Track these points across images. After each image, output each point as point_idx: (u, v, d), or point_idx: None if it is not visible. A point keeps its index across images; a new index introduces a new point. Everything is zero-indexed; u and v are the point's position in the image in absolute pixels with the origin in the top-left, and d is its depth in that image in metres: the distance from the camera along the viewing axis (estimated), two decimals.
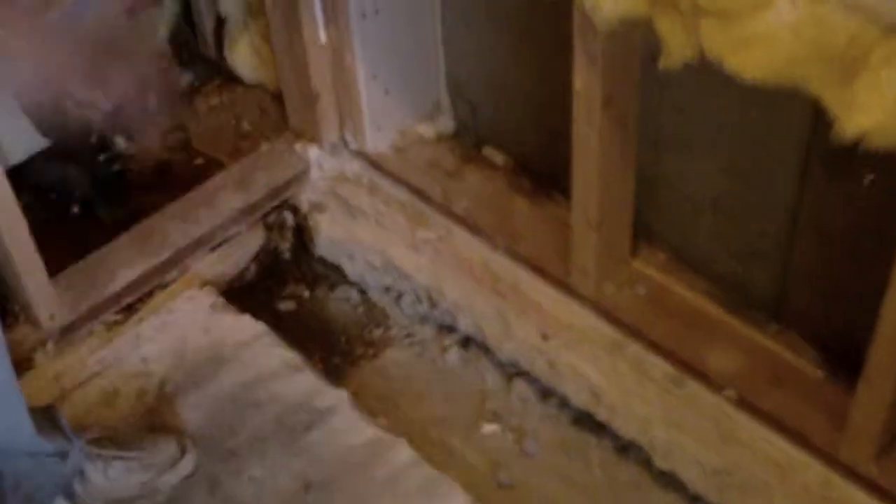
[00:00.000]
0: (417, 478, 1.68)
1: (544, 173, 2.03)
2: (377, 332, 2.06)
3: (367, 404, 1.90)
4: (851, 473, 1.61)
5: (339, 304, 2.11)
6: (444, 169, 2.10)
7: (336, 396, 1.80)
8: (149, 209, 2.06)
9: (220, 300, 1.95)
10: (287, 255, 2.16)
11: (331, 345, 2.04)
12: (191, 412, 1.78)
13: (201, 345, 1.87)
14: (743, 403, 1.71)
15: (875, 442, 1.58)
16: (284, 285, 2.14)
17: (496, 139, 2.11)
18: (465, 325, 1.94)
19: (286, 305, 2.11)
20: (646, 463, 1.77)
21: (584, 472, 1.82)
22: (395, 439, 1.73)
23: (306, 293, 2.13)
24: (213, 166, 2.16)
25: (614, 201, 1.74)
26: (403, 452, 1.71)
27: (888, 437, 1.59)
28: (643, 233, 1.90)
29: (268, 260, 2.13)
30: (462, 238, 2.00)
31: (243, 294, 2.08)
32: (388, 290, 2.06)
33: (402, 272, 2.01)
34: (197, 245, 2.01)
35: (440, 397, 1.95)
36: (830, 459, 1.63)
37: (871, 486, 1.60)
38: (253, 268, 2.11)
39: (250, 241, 2.10)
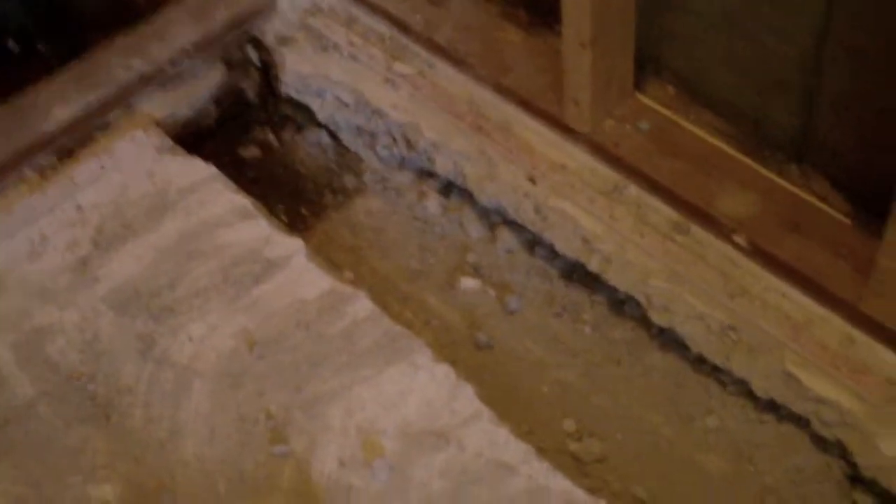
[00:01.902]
0: (377, 333, 1.47)
1: (543, 3, 1.78)
2: (348, 179, 1.85)
3: (334, 257, 1.70)
4: (877, 328, 1.41)
5: (308, 148, 1.91)
6: None
7: (290, 246, 1.59)
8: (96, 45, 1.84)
9: (168, 142, 1.74)
10: (251, 96, 1.94)
11: (297, 193, 1.84)
12: (126, 264, 1.57)
13: (143, 191, 1.67)
14: (754, 251, 1.50)
15: None
16: (248, 129, 1.93)
17: None
18: (444, 168, 1.72)
19: (249, 151, 1.91)
20: (643, 320, 1.57)
21: (573, 332, 1.62)
22: (353, 292, 1.52)
23: (272, 137, 1.93)
24: None
25: (611, 14, 1.50)
26: (362, 306, 1.50)
27: None
28: (648, 63, 1.66)
29: (229, 101, 1.91)
30: (444, 71, 1.77)
31: (202, 139, 1.87)
32: (360, 131, 1.84)
33: (377, 111, 1.79)
34: (144, 82, 1.80)
35: (415, 249, 1.74)
36: (853, 313, 1.42)
37: None
38: (212, 110, 1.89)
39: (208, 80, 1.88)
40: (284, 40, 1.89)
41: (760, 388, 1.46)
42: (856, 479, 1.43)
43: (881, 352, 1.40)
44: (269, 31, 1.90)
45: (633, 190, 1.58)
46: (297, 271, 1.55)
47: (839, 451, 1.42)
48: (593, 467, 1.48)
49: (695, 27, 1.58)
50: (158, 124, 1.78)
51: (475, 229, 1.72)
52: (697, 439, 1.51)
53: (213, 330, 1.50)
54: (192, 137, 1.83)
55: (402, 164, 1.80)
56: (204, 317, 1.51)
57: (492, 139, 1.68)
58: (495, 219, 1.71)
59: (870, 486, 1.40)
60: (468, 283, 1.68)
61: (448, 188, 1.77)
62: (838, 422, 1.40)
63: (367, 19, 1.86)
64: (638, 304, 1.54)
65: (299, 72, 1.85)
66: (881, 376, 1.39)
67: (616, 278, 1.55)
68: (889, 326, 1.39)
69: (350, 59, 1.83)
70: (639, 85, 1.66)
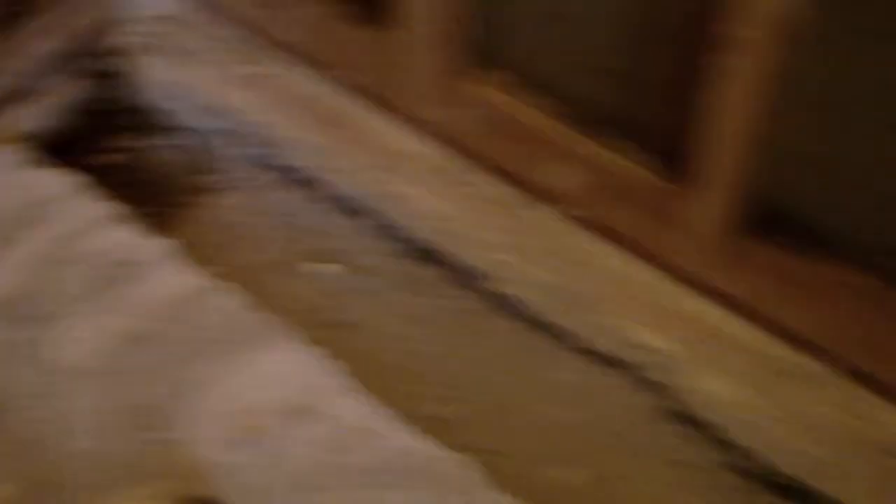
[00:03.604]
0: (248, 322, 1.60)
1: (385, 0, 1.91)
2: (212, 179, 1.96)
3: (203, 253, 1.81)
4: (693, 280, 1.59)
5: (172, 152, 2.01)
6: (273, 0, 1.97)
7: (160, 246, 1.69)
8: None
9: (34, 154, 1.82)
10: (113, 104, 2.02)
11: (162, 196, 1.94)
12: (1, 276, 1.67)
13: (9, 204, 1.75)
14: (583, 219, 1.67)
15: (712, 245, 1.54)
16: (112, 137, 2.01)
17: None
18: (298, 162, 1.85)
19: (115, 158, 1.99)
20: (487, 289, 1.72)
21: (426, 305, 1.77)
22: (223, 285, 1.64)
23: (136, 143, 2.01)
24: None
25: (444, 10, 1.65)
26: (234, 298, 1.63)
27: (727, 243, 1.55)
28: (484, 52, 1.80)
29: (92, 110, 2.00)
30: (293, 70, 1.90)
31: (67, 149, 1.94)
32: (221, 133, 1.95)
33: (235, 112, 1.90)
34: (7, 97, 1.87)
35: (277, 240, 1.87)
36: (672, 268, 1.61)
37: (711, 291, 1.58)
38: (76, 120, 1.98)
39: (71, 91, 1.97)
40: (143, 49, 1.99)
41: (593, 340, 1.63)
42: (682, 415, 1.61)
43: (695, 299, 1.59)
44: (128, 40, 1.99)
45: (473, 171, 1.73)
46: (168, 270, 1.66)
47: (666, 391, 1.60)
48: (454, 427, 1.64)
49: (525, 17, 1.73)
50: (23, 138, 1.87)
51: (332, 217, 1.86)
52: (542, 393, 1.67)
53: (94, 331, 1.60)
54: (57, 148, 1.91)
55: (261, 161, 1.92)
56: (84, 320, 1.61)
57: (343, 132, 1.82)
58: (350, 206, 1.84)
59: (692, 418, 1.59)
60: (329, 268, 1.82)
61: (306, 181, 1.89)
62: (661, 364, 1.58)
63: (219, 26, 1.97)
64: (482, 275, 1.70)
65: (159, 79, 1.96)
66: (696, 321, 1.58)
67: (460, 253, 1.70)
68: (699, 275, 1.57)
69: (206, 65, 1.94)
70: (474, 74, 1.80)
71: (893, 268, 1.54)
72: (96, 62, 1.99)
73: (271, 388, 1.52)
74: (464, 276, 1.76)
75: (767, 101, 1.37)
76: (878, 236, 1.54)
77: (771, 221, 1.60)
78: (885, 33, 1.29)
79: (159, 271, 1.66)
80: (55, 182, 1.78)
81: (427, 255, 1.78)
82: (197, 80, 1.93)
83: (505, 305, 1.72)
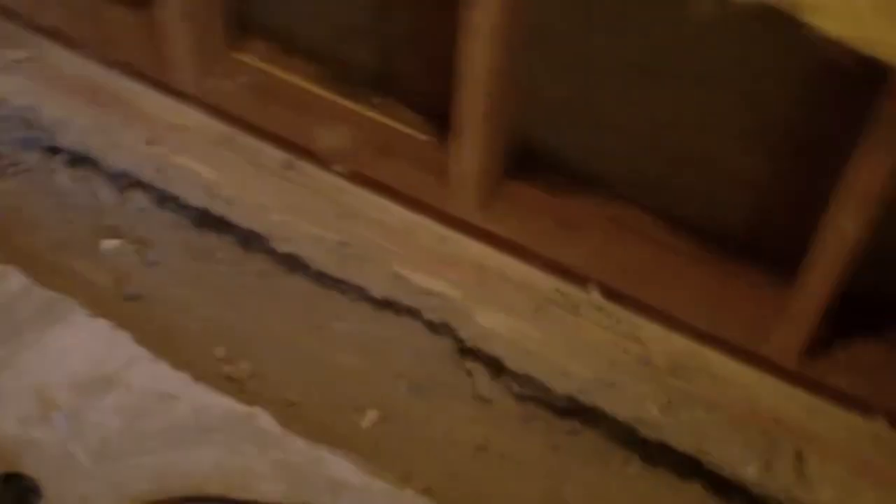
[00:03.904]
0: (34, 302, 1.62)
1: None
2: None
3: None
4: (460, 224, 1.68)
5: None
6: None
7: None
8: None
9: None
10: None
11: None
12: None
13: None
14: (354, 176, 1.74)
15: (477, 191, 1.64)
16: None
17: None
18: (69, 142, 1.86)
19: None
20: (269, 251, 1.77)
21: (211, 272, 1.82)
22: (3, 269, 1.66)
23: None
24: None
25: None
26: (15, 281, 1.65)
27: (489, 187, 1.65)
28: (242, 23, 1.86)
29: None
30: (56, 53, 1.91)
31: None
32: None
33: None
34: None
35: (55, 221, 1.87)
36: (441, 216, 1.69)
37: (479, 233, 1.68)
38: None
39: None
40: None
41: (376, 290, 1.70)
42: (464, 350, 1.70)
43: (468, 243, 1.68)
44: None
45: (243, 138, 1.78)
46: None
47: (447, 330, 1.68)
48: (247, 384, 1.69)
49: None
50: None
51: (107, 194, 1.88)
52: (331, 343, 1.74)
53: None
54: None
55: (28, 145, 1.93)
56: None
57: (110, 110, 1.83)
58: (124, 182, 1.87)
59: (475, 354, 1.68)
60: (109, 244, 1.84)
61: (76, 161, 1.90)
62: (442, 307, 1.66)
63: None
64: (262, 237, 1.75)
65: None
66: (470, 264, 1.67)
67: (239, 218, 1.75)
68: (468, 220, 1.67)
69: None
70: (236, 44, 1.85)
71: (641, 196, 1.68)
72: None
73: (62, 363, 1.55)
74: (246, 241, 1.81)
75: (510, 51, 1.47)
76: (629, 169, 1.68)
77: (531, 163, 1.72)
78: None
79: None
80: None
81: (208, 223, 1.83)
82: None
83: (290, 265, 1.78)
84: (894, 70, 1.13)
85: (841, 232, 1.37)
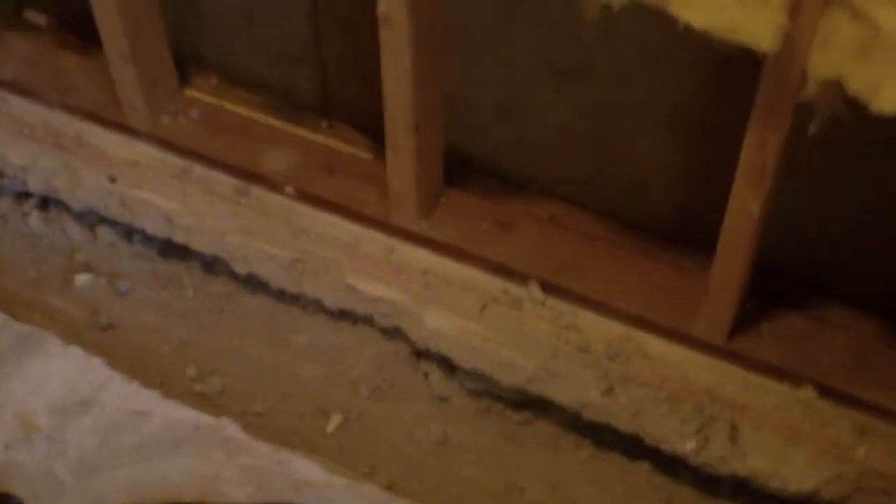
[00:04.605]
0: (11, 336, 1.73)
1: (88, 25, 2.05)
2: None
3: None
4: (405, 234, 1.79)
5: None
6: None
7: None
8: None
9: None
10: None
11: None
12: None
13: None
14: (303, 196, 1.84)
15: (416, 202, 1.75)
16: None
17: (36, 1, 2.11)
18: (37, 187, 1.96)
19: None
20: (230, 273, 1.88)
21: (179, 297, 1.92)
22: None
23: None
24: None
25: (143, 32, 1.81)
26: None
27: (428, 196, 1.77)
28: (189, 60, 1.98)
29: None
30: (16, 103, 2.01)
31: None
32: None
33: None
34: None
35: (29, 261, 1.99)
36: (386, 227, 1.79)
37: (423, 241, 1.78)
38: None
39: None
40: None
41: (331, 302, 1.80)
42: (418, 353, 1.80)
43: (413, 251, 1.78)
44: None
45: (198, 169, 1.88)
46: None
47: (400, 335, 1.77)
48: (217, 399, 1.80)
49: (221, 23, 1.91)
50: None
51: (77, 233, 1.99)
52: (294, 355, 1.85)
53: None
54: None
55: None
56: None
57: (71, 153, 1.94)
58: (92, 219, 1.98)
59: (428, 355, 1.78)
60: (81, 279, 1.95)
61: (45, 203, 2.02)
62: (393, 312, 1.75)
63: None
64: (223, 261, 1.86)
65: None
66: (416, 270, 1.77)
67: (200, 244, 1.85)
68: (411, 229, 1.78)
69: None
70: (184, 80, 1.97)
71: (571, 193, 1.79)
72: None
73: (41, 390, 1.66)
74: (209, 265, 1.92)
75: (430, 62, 1.57)
76: (557, 167, 1.78)
77: (466, 169, 1.83)
78: None
79: None
80: None
81: (172, 251, 1.93)
82: None
83: (251, 285, 1.88)
84: (762, 53, 1.22)
85: (744, 209, 1.46)
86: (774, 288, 1.71)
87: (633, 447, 1.71)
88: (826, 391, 1.62)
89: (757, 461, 1.59)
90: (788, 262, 1.69)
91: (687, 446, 1.62)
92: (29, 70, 2.03)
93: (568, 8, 1.35)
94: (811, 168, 1.51)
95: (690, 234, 1.72)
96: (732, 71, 1.45)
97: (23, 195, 2.03)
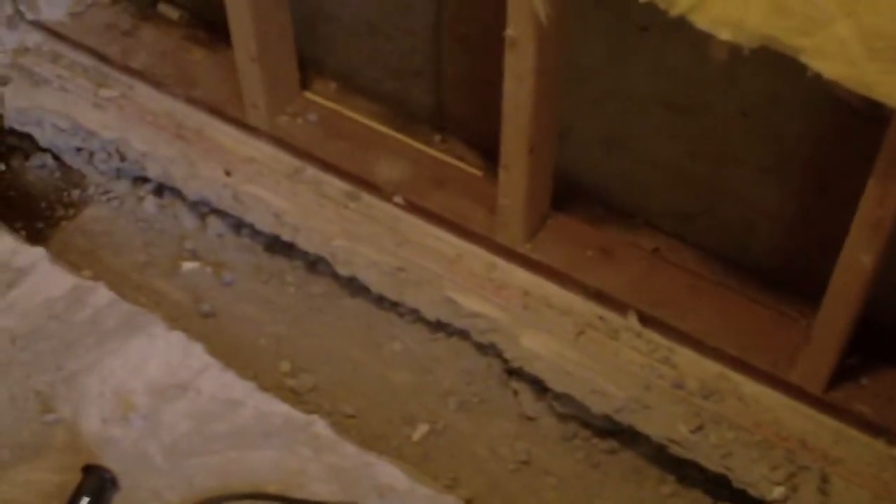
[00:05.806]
0: (117, 315, 1.77)
1: (218, 23, 2.11)
2: (75, 193, 2.13)
3: (72, 260, 1.98)
4: (508, 253, 1.80)
5: (35, 171, 2.16)
6: (121, 29, 2.16)
7: (33, 254, 1.86)
8: None
9: None
10: None
11: (31, 211, 2.10)
12: None
13: None
14: (411, 207, 1.86)
15: (523, 222, 1.76)
16: None
17: None
18: (155, 172, 2.02)
19: None
20: (333, 274, 1.91)
21: (280, 292, 1.96)
22: (93, 284, 1.81)
23: (1, 166, 2.17)
24: None
25: (272, 31, 1.85)
26: (102, 295, 1.80)
27: (534, 218, 1.78)
28: (311, 65, 2.02)
29: None
30: (143, 91, 2.07)
31: None
32: (79, 151, 2.12)
33: (90, 131, 2.06)
34: None
35: (140, 244, 2.04)
36: (491, 244, 1.81)
37: (526, 262, 1.79)
38: None
39: None
40: (2, 79, 2.15)
41: (429, 313, 1.82)
42: (510, 371, 1.82)
43: (514, 271, 1.80)
44: None
45: (310, 170, 1.93)
46: (42, 274, 1.83)
47: (494, 351, 1.79)
48: (308, 396, 1.83)
49: (345, 33, 1.95)
50: None
51: (188, 221, 2.05)
52: (387, 361, 1.88)
53: None
54: None
55: (118, 174, 2.10)
56: None
57: (190, 144, 2.00)
58: (203, 209, 2.03)
59: (520, 374, 1.80)
60: (188, 266, 2.00)
61: (160, 190, 2.07)
62: (490, 329, 1.77)
63: (71, 54, 2.13)
64: (327, 262, 1.89)
65: (17, 106, 2.11)
66: (517, 289, 1.79)
67: (306, 244, 1.89)
68: (515, 249, 1.80)
69: (60, 91, 2.10)
70: (305, 84, 2.01)
71: (675, 227, 1.79)
72: None
73: (141, 370, 1.70)
74: (312, 265, 1.96)
75: (549, 91, 1.59)
76: (663, 201, 1.79)
77: (574, 196, 1.84)
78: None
79: (36, 276, 1.83)
80: None
81: (278, 248, 1.98)
82: (55, 105, 2.09)
83: (352, 288, 1.92)
84: (891, 108, 1.22)
85: (856, 262, 1.44)
86: (878, 343, 1.68)
87: (717, 488, 1.70)
88: None
89: None
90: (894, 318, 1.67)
91: (775, 492, 1.61)
92: (158, 61, 2.09)
93: (690, 46, 1.36)
94: None
95: (795, 280, 1.71)
96: (853, 123, 1.45)
97: (140, 180, 2.09)
